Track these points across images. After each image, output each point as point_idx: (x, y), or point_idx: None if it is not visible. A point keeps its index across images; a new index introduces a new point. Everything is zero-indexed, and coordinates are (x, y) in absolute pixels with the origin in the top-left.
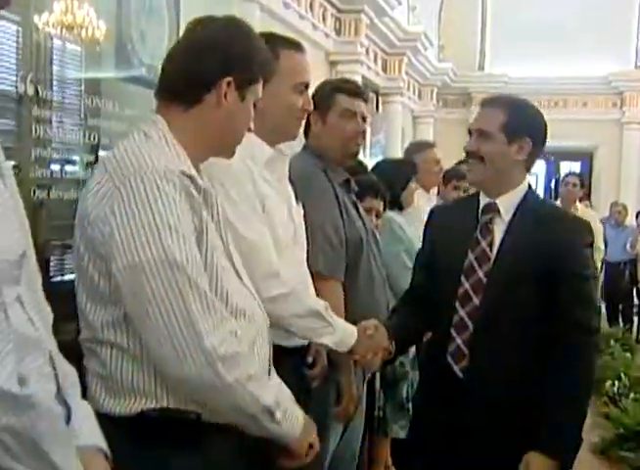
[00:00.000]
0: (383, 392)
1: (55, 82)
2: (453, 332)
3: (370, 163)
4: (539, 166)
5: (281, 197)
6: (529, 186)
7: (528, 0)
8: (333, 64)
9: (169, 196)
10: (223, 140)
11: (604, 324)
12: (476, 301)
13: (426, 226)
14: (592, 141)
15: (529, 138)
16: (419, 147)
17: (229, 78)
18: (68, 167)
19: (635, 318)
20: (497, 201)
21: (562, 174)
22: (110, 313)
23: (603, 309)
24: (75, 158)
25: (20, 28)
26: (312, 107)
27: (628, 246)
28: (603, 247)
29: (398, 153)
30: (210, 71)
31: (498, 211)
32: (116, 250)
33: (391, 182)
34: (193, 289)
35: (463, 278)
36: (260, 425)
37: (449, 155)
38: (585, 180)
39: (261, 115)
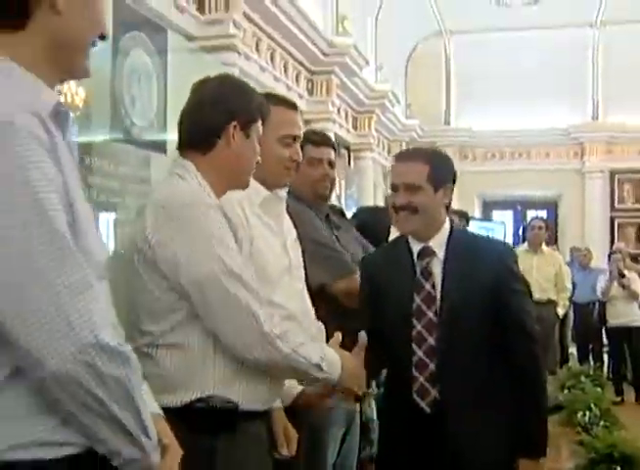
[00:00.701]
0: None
1: None
2: (415, 372)
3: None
4: (507, 216)
5: (275, 233)
6: (451, 222)
7: (489, 58)
8: (306, 122)
9: (218, 221)
10: (237, 174)
11: (574, 363)
12: (430, 340)
13: (362, 277)
14: (556, 190)
15: (450, 183)
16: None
17: (234, 122)
18: None
19: (605, 357)
20: (430, 243)
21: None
22: (169, 321)
23: (573, 350)
24: None
25: None
26: (300, 158)
27: (599, 290)
28: (570, 286)
29: (370, 204)
30: (217, 121)
31: (434, 253)
32: (184, 267)
33: (374, 230)
34: (248, 289)
35: (415, 321)
36: (312, 377)
37: None
38: (551, 225)
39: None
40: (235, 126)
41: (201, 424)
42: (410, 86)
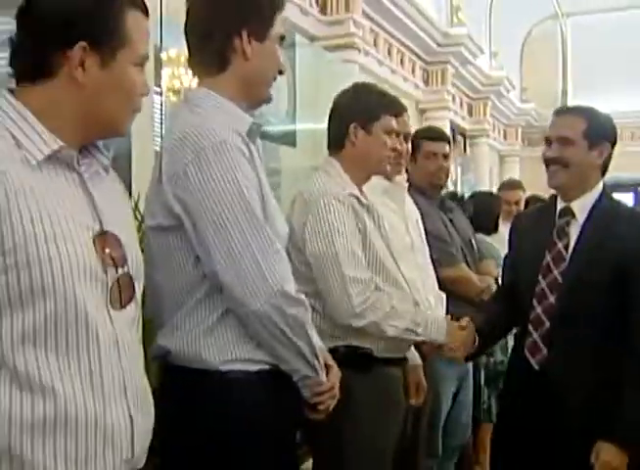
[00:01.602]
0: (486, 386)
1: None
2: (530, 327)
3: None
4: (627, 198)
5: (399, 216)
6: (604, 188)
7: (606, 39)
8: (422, 111)
9: (339, 212)
10: (369, 167)
11: None
12: (551, 298)
13: (510, 231)
14: None
15: (608, 143)
16: (505, 186)
17: (354, 124)
18: None
19: None
20: (572, 204)
21: None
22: (311, 286)
23: None
24: None
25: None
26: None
27: None
28: None
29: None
30: (340, 127)
31: (573, 215)
32: (309, 244)
33: (484, 214)
34: (350, 268)
35: (540, 277)
36: (410, 339)
37: (536, 190)
38: None
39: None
40: (355, 127)
41: (341, 365)
42: (525, 70)
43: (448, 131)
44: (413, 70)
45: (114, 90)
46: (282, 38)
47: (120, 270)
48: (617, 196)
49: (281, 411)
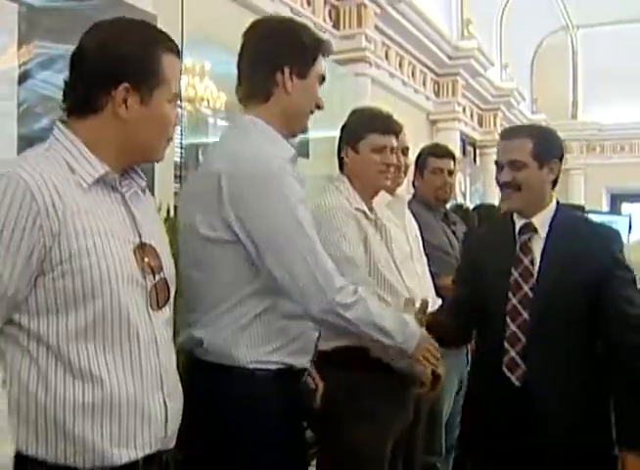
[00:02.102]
0: None
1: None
2: (506, 345)
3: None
4: (636, 208)
5: (399, 228)
6: (557, 202)
7: (617, 51)
8: (433, 122)
9: (345, 222)
10: (367, 183)
11: None
12: (525, 314)
13: (464, 246)
14: None
15: (557, 158)
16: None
17: (348, 146)
18: None
19: None
20: (533, 220)
21: None
22: None
23: None
24: None
25: None
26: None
27: None
28: None
29: (495, 200)
30: (340, 148)
31: (535, 230)
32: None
33: (488, 222)
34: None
35: (510, 294)
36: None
37: None
38: None
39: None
40: (347, 148)
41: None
42: (536, 81)
43: (458, 142)
44: (424, 83)
45: (151, 124)
46: (323, 78)
47: (157, 276)
48: (630, 206)
49: (296, 405)
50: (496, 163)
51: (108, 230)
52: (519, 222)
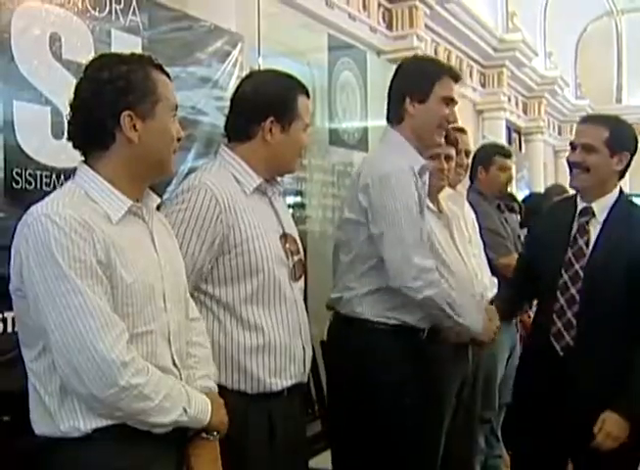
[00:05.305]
0: None
1: None
2: (555, 317)
3: (517, 195)
4: None
5: (459, 216)
6: (621, 190)
7: None
8: (479, 112)
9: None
10: None
11: None
12: (573, 290)
13: (530, 226)
14: None
15: (628, 152)
16: (556, 191)
17: None
18: None
19: None
20: (593, 204)
21: None
22: None
23: None
24: None
25: None
26: None
27: None
28: None
29: (541, 186)
30: None
31: (594, 214)
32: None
33: (534, 210)
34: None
35: (563, 271)
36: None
37: None
38: None
39: None
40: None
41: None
42: (581, 67)
43: (504, 130)
44: (471, 74)
45: (289, 146)
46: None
47: (296, 257)
48: None
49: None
50: (571, 143)
51: (263, 224)
52: (580, 204)
